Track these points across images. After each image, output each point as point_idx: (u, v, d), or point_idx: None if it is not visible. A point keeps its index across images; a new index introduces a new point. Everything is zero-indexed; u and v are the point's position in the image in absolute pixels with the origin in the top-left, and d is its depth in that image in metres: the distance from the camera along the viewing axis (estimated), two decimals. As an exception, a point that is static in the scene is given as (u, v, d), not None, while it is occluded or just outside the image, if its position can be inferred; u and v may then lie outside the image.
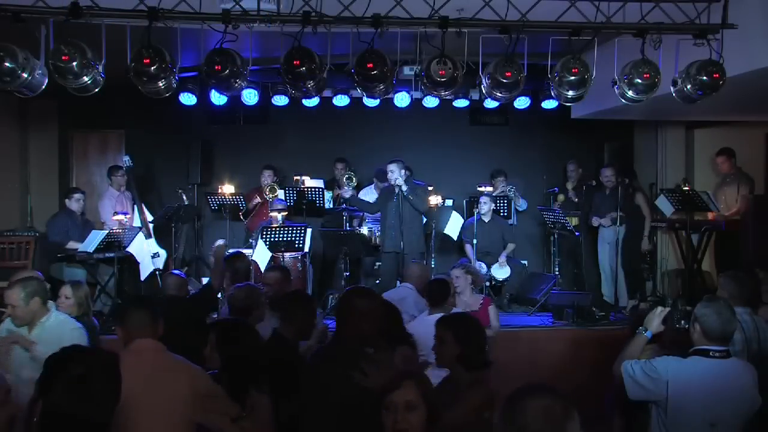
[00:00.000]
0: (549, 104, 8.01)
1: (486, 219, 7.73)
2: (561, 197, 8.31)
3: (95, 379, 1.95)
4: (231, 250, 7.36)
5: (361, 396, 2.70)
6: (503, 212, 8.08)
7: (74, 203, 7.15)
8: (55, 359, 2.00)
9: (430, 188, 7.67)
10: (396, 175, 7.00)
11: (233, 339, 3.08)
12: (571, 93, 4.85)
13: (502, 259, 7.53)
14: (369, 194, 8.05)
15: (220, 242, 5.46)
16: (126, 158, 7.82)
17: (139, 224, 7.56)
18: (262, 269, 6.61)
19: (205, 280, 6.69)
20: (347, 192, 7.43)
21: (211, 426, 2.73)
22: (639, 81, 4.71)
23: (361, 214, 7.81)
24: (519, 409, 1.78)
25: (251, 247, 7.10)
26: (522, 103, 8.13)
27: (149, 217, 7.78)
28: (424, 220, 7.57)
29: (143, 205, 7.80)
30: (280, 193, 7.72)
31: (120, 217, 7.21)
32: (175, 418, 2.68)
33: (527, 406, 1.79)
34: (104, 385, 1.99)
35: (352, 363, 2.77)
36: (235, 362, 2.97)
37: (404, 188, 6.95)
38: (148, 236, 7.54)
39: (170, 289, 5.08)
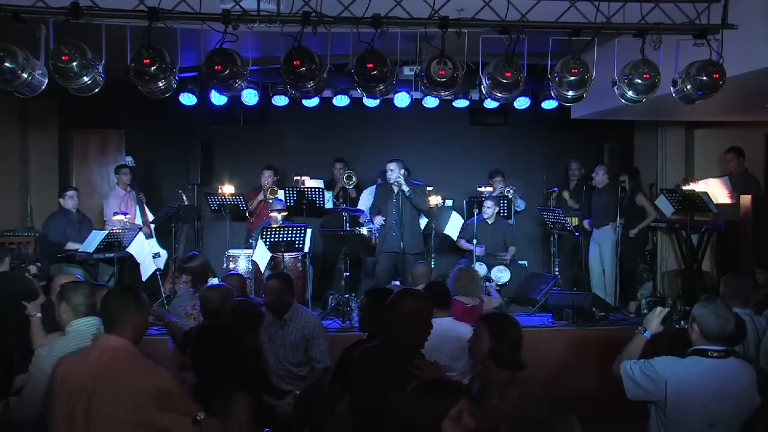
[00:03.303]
0: (549, 104, 8.01)
1: (490, 221, 7.74)
2: (565, 194, 8.31)
3: None
4: (232, 251, 7.41)
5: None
6: (503, 212, 8.09)
7: (68, 201, 7.14)
8: None
9: (429, 189, 7.68)
10: (396, 174, 7.02)
11: (206, 346, 3.03)
12: (571, 93, 4.85)
13: (507, 257, 7.54)
14: (371, 194, 8.04)
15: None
16: (128, 158, 7.84)
17: (140, 224, 7.59)
18: (262, 269, 6.63)
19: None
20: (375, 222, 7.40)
21: (170, 428, 2.64)
22: (639, 81, 4.71)
23: (364, 217, 7.81)
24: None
25: (251, 247, 7.10)
26: (522, 103, 8.13)
27: (150, 218, 7.80)
28: (425, 220, 7.58)
29: (145, 206, 7.84)
30: (281, 194, 7.72)
31: (120, 217, 7.21)
32: (116, 422, 2.61)
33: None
34: None
35: (405, 363, 2.81)
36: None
37: (405, 188, 6.96)
38: (149, 236, 7.56)
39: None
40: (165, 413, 2.61)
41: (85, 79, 4.44)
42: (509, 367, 2.92)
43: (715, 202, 6.92)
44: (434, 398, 2.19)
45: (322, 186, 7.95)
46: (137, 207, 7.77)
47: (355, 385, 3.06)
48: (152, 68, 4.44)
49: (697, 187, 7.29)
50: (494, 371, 2.92)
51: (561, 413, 1.90)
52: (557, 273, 7.76)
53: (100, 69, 4.48)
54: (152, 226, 7.78)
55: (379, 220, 7.24)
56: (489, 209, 7.69)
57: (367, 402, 2.94)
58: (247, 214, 8.01)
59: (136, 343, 2.84)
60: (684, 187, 7.51)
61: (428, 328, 3.07)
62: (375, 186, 7.83)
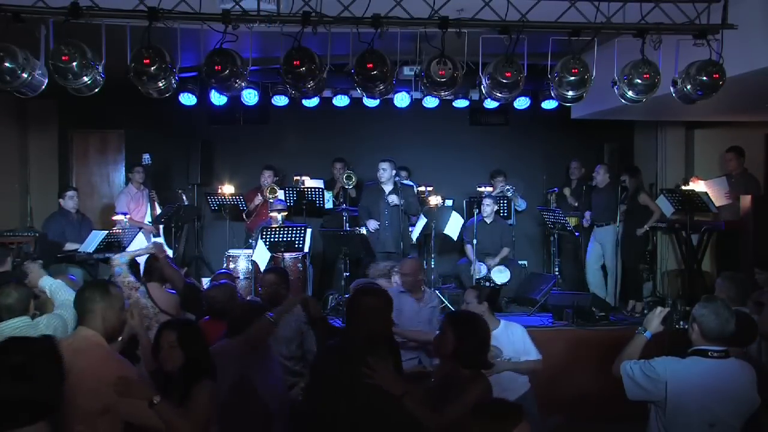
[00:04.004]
0: (549, 104, 8.01)
1: (488, 220, 7.75)
2: (566, 191, 8.32)
3: (36, 364, 2.11)
4: (232, 251, 7.40)
5: (378, 395, 2.75)
6: (503, 212, 8.10)
7: (68, 201, 7.14)
8: None
9: (430, 188, 7.69)
10: (388, 174, 7.07)
11: (195, 338, 3.14)
12: (571, 93, 4.85)
13: (493, 263, 7.53)
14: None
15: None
16: (146, 156, 7.85)
17: (150, 222, 7.62)
18: (262, 270, 6.62)
19: (205, 281, 6.72)
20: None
21: (129, 413, 2.73)
22: (639, 81, 4.71)
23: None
24: None
25: (251, 247, 7.10)
26: (522, 103, 8.13)
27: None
28: (425, 220, 7.59)
29: (157, 205, 7.86)
30: (280, 194, 7.73)
31: (120, 217, 7.21)
32: (76, 410, 2.66)
33: None
34: (45, 368, 2.13)
35: (361, 361, 2.82)
36: (195, 360, 3.04)
37: (401, 203, 7.04)
38: (156, 235, 7.58)
39: None
40: (123, 399, 2.68)
41: (85, 79, 4.44)
42: (473, 366, 2.94)
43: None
44: (491, 422, 2.18)
45: (322, 186, 7.96)
46: (148, 206, 7.78)
47: (314, 384, 3.08)
48: (152, 68, 4.43)
49: (697, 186, 7.29)
50: (457, 369, 2.95)
51: None
52: (557, 273, 7.76)
53: (100, 69, 4.47)
54: (161, 226, 7.80)
55: (373, 224, 7.26)
56: (488, 207, 7.69)
57: (326, 400, 2.94)
58: (244, 216, 8.01)
59: (110, 337, 2.89)
60: (684, 187, 7.51)
61: (386, 325, 3.06)
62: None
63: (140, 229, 7.28)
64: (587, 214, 7.76)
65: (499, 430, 2.14)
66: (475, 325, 3.03)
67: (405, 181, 7.64)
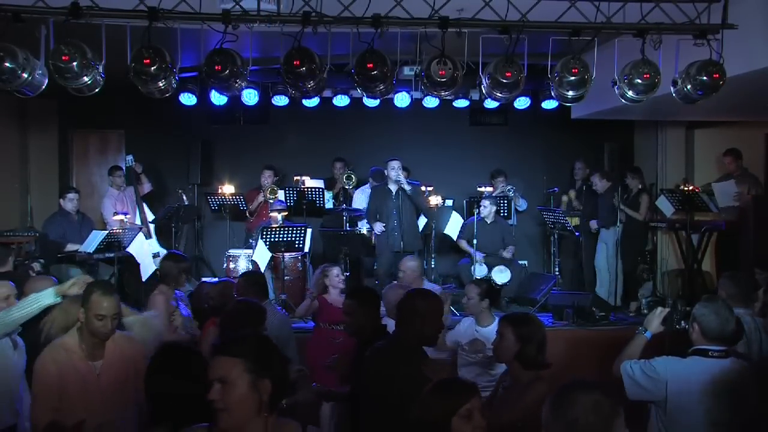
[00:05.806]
0: (549, 104, 8.01)
1: (488, 220, 7.74)
2: (565, 198, 8.32)
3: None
4: (232, 251, 7.40)
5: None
6: (503, 212, 8.09)
7: (68, 203, 7.15)
8: None
9: (429, 188, 7.69)
10: (398, 172, 7.04)
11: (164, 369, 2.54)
12: (571, 93, 4.85)
13: (507, 254, 7.53)
14: (365, 194, 8.04)
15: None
16: (129, 158, 7.84)
17: (139, 224, 7.58)
18: (262, 270, 6.63)
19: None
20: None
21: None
22: (639, 81, 4.71)
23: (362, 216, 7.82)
24: (568, 402, 1.86)
25: (251, 247, 7.10)
26: (522, 103, 8.14)
27: (150, 217, 7.79)
28: (425, 220, 7.59)
29: (144, 205, 7.82)
30: (281, 194, 7.72)
31: (120, 217, 7.21)
32: (128, 395, 3.11)
33: (577, 399, 1.87)
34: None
35: (416, 361, 2.87)
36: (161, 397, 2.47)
37: (407, 187, 6.97)
38: (148, 236, 7.55)
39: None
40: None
41: (85, 79, 4.43)
42: (535, 367, 2.97)
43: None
44: (446, 396, 2.27)
45: (322, 186, 7.95)
46: (136, 206, 7.76)
47: (365, 384, 3.07)
48: (152, 68, 4.43)
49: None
50: (520, 372, 2.97)
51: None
52: (557, 273, 7.76)
53: (100, 69, 4.47)
54: (152, 226, 7.77)
55: (379, 227, 7.22)
56: (485, 209, 7.67)
57: (377, 399, 2.94)
58: (248, 215, 8.01)
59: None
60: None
61: (440, 326, 3.11)
62: (368, 187, 7.82)
63: (140, 229, 7.28)
64: (593, 222, 7.75)
65: (452, 404, 2.23)
66: (533, 325, 3.04)
67: (410, 180, 7.62)
